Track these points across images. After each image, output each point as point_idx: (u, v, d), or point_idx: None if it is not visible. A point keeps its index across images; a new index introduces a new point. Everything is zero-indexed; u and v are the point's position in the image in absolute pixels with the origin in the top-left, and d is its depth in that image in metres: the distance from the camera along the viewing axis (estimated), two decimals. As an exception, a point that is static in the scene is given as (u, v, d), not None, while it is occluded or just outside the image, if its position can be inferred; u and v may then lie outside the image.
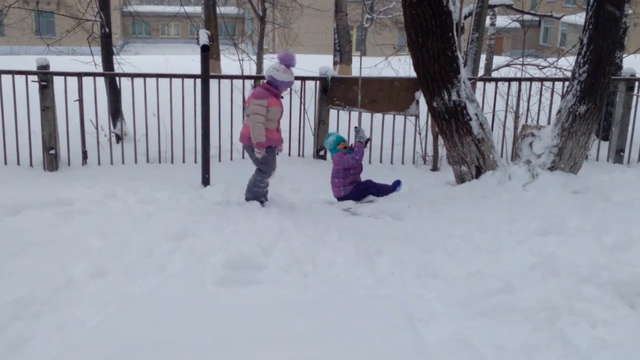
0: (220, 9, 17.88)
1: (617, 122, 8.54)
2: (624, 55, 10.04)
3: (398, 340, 3.43)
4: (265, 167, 6.10)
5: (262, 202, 6.24)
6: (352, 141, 7.05)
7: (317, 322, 3.66)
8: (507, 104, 8.26)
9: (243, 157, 8.25)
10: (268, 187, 6.26)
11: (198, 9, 21.30)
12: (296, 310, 3.81)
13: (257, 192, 6.21)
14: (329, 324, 3.64)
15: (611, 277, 3.83)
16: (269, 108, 5.82)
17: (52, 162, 7.64)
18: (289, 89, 6.28)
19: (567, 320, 3.57)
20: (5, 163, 7.72)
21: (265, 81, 6.02)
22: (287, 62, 5.93)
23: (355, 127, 6.85)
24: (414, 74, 6.62)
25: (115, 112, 9.09)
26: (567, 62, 8.51)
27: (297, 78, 8.35)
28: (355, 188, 6.69)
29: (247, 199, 6.25)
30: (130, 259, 4.69)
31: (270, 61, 11.79)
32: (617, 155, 8.56)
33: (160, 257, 4.73)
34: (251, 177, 6.21)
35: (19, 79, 7.55)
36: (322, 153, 8.32)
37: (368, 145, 7.29)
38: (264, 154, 5.89)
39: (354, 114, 8.12)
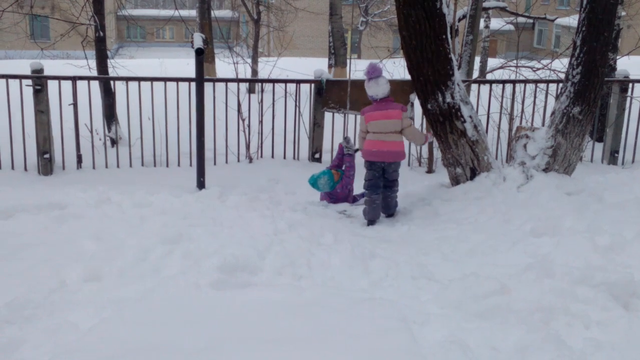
0: (215, 13, 17.89)
1: (611, 123, 8.57)
2: (617, 57, 10.08)
3: (393, 342, 3.43)
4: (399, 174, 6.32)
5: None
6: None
7: (312, 324, 3.66)
8: (501, 105, 8.28)
9: (238, 161, 8.25)
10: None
11: (193, 13, 21.33)
12: (291, 312, 3.81)
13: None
14: (324, 326, 3.63)
15: (605, 278, 3.83)
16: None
17: (46, 166, 7.62)
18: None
19: (562, 321, 3.58)
20: (0, 167, 7.69)
21: (387, 96, 6.17)
22: (368, 75, 6.15)
23: (345, 137, 6.85)
24: (408, 77, 6.64)
25: (110, 115, 9.07)
26: (561, 64, 8.54)
27: (292, 81, 8.42)
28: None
29: (394, 214, 6.33)
30: (124, 262, 4.67)
31: (266, 64, 11.81)
32: (612, 157, 8.58)
33: (155, 260, 4.72)
34: (393, 195, 6.27)
35: (13, 83, 7.54)
36: (317, 156, 8.33)
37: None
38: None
39: (351, 117, 8.12)
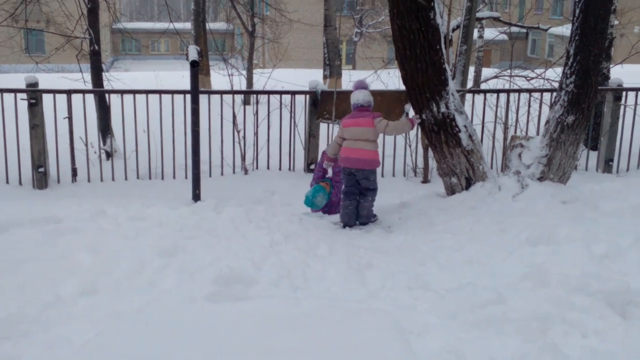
0: (210, 25, 17.94)
1: (606, 132, 8.60)
2: (610, 66, 10.13)
3: (390, 353, 3.43)
4: (376, 183, 6.41)
5: (376, 217, 6.52)
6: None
7: (308, 336, 3.65)
8: (496, 115, 8.30)
9: (234, 172, 8.25)
10: None
11: (187, 25, 21.38)
12: (287, 324, 3.80)
13: (372, 211, 6.45)
14: (321, 338, 3.62)
15: (601, 286, 3.83)
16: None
17: (41, 180, 7.60)
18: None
19: (559, 330, 3.57)
20: (-6, 181, 7.67)
21: (361, 105, 6.35)
22: (364, 85, 6.48)
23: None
24: (403, 87, 6.66)
25: (105, 128, 9.07)
26: (555, 73, 8.57)
27: (287, 92, 8.43)
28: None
29: (367, 223, 6.40)
30: (120, 275, 4.65)
31: (261, 76, 11.84)
32: (606, 165, 8.61)
33: (151, 273, 4.71)
34: (365, 204, 6.35)
35: (8, 96, 7.53)
36: (312, 167, 8.33)
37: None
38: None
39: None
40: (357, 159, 6.24)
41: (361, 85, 6.46)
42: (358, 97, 6.36)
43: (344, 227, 6.35)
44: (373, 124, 6.19)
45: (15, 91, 7.51)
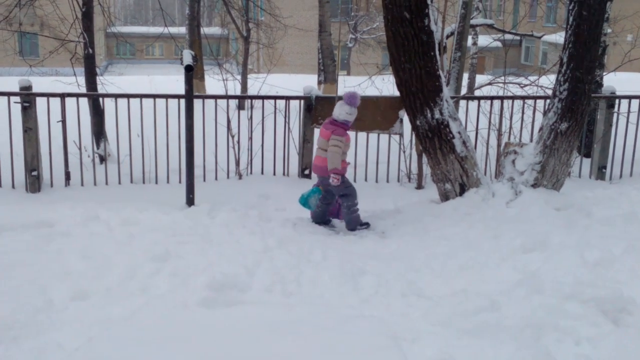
0: (205, 30, 17.93)
1: (599, 139, 8.63)
2: (604, 74, 10.17)
3: (383, 360, 3.41)
4: (348, 189, 6.39)
5: (367, 225, 6.44)
6: None
7: (301, 342, 3.64)
8: (489, 122, 8.32)
9: (228, 177, 8.24)
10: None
11: (182, 30, 21.40)
12: (281, 330, 3.78)
13: (356, 217, 6.41)
14: (314, 344, 3.61)
15: (594, 293, 3.84)
16: (346, 143, 6.40)
17: (34, 183, 7.56)
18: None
19: (552, 337, 3.57)
20: (-13, 185, 7.63)
21: (335, 119, 6.34)
22: (350, 102, 6.32)
23: None
24: (397, 93, 6.67)
25: (99, 132, 9.04)
26: (549, 81, 8.60)
27: (281, 97, 8.43)
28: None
29: (353, 229, 6.38)
30: (112, 280, 4.63)
31: (255, 81, 11.83)
32: (599, 172, 8.63)
33: (143, 278, 4.68)
34: (343, 210, 6.42)
35: (1, 100, 7.49)
36: (307, 172, 8.33)
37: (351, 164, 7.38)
38: (341, 180, 6.26)
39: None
40: (315, 165, 6.49)
41: (351, 101, 6.31)
42: (335, 110, 6.38)
43: (313, 222, 6.57)
44: (328, 137, 6.26)
45: (8, 94, 7.47)
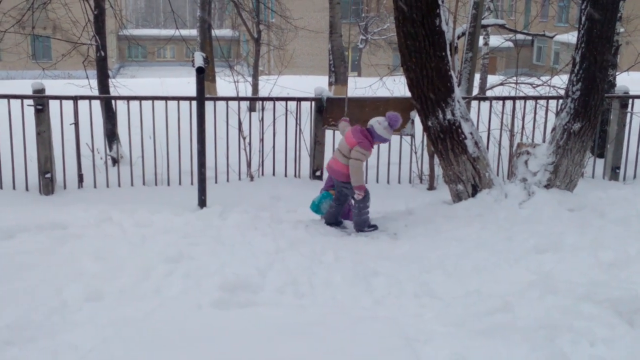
0: (216, 32, 17.99)
1: (612, 139, 8.57)
2: (617, 73, 10.10)
3: (396, 361, 3.40)
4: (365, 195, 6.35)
5: (375, 227, 6.42)
6: None
7: (314, 344, 3.64)
8: (501, 122, 8.29)
9: (239, 179, 8.26)
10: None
11: (193, 32, 21.45)
12: (293, 332, 3.78)
13: (365, 218, 6.40)
14: (327, 345, 3.61)
15: (609, 294, 3.81)
16: (369, 156, 6.39)
17: (47, 185, 7.62)
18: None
19: (566, 338, 3.55)
20: (1, 187, 7.69)
21: (369, 130, 6.31)
22: (392, 123, 6.32)
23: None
24: (408, 94, 6.65)
25: (111, 135, 9.10)
26: (561, 81, 8.56)
27: (292, 99, 8.44)
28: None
29: (361, 230, 6.38)
30: (125, 282, 4.65)
31: (266, 82, 11.85)
32: (613, 173, 8.57)
33: (156, 280, 4.70)
34: (354, 211, 6.37)
35: (15, 103, 7.56)
36: (318, 174, 8.33)
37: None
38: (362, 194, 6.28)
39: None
40: (333, 169, 6.43)
41: (394, 123, 6.32)
42: (374, 123, 6.30)
43: (326, 223, 6.57)
44: (352, 146, 6.21)
45: (22, 97, 7.54)
